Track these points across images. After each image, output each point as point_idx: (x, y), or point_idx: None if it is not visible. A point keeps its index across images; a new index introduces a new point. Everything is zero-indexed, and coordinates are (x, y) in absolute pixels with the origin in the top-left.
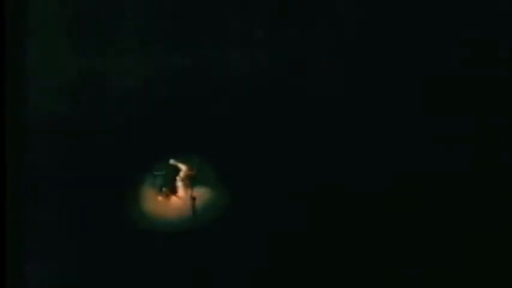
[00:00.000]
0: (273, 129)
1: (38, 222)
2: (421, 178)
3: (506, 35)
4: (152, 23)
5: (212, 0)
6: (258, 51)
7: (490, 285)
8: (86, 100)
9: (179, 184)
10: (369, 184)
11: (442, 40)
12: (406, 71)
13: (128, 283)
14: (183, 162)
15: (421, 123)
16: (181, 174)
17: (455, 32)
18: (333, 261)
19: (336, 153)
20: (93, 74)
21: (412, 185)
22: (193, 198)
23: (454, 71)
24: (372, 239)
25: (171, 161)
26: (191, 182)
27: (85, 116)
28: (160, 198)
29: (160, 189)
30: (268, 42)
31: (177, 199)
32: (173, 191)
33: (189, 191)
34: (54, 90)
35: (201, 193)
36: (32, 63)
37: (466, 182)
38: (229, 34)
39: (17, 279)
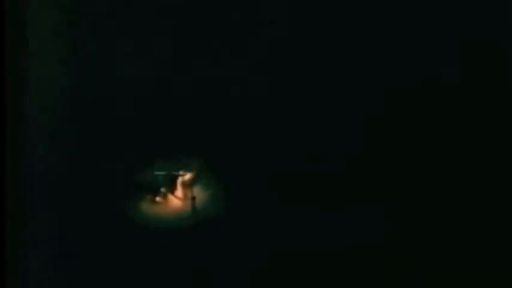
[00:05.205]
0: (273, 128)
1: (37, 222)
2: (419, 178)
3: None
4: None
5: None
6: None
7: (490, 285)
8: (85, 101)
9: (179, 184)
10: (369, 184)
11: (437, 43)
12: (403, 71)
13: (127, 283)
14: (183, 162)
15: (420, 124)
16: (185, 177)
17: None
18: (333, 260)
19: (336, 154)
20: (93, 74)
21: (411, 185)
22: (193, 198)
23: (449, 73)
24: (371, 238)
25: (180, 172)
26: (192, 182)
27: (84, 116)
28: (159, 198)
29: (160, 190)
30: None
31: (176, 199)
32: (173, 191)
33: (189, 191)
34: (54, 91)
35: (201, 193)
36: (31, 65)
37: (462, 182)
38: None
39: (17, 278)
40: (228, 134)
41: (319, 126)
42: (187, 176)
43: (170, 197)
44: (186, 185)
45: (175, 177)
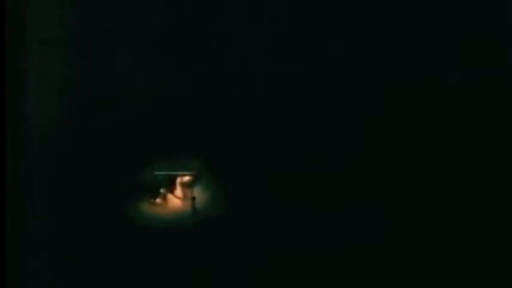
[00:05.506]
0: (273, 129)
1: (37, 222)
2: (419, 178)
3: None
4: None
5: None
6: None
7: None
8: (85, 101)
9: (179, 185)
10: (369, 184)
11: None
12: (403, 71)
13: (127, 283)
14: (183, 162)
15: (419, 125)
16: (185, 178)
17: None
18: (333, 260)
19: (336, 154)
20: (93, 76)
21: (411, 185)
22: (193, 198)
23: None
24: (371, 238)
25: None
26: (191, 182)
27: (84, 116)
28: (159, 200)
29: (160, 190)
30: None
31: (176, 200)
32: (172, 191)
33: (189, 192)
34: (54, 91)
35: (201, 193)
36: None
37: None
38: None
39: (17, 278)
40: (228, 134)
41: (319, 126)
42: (187, 177)
43: (170, 197)
44: (186, 186)
45: (175, 178)
